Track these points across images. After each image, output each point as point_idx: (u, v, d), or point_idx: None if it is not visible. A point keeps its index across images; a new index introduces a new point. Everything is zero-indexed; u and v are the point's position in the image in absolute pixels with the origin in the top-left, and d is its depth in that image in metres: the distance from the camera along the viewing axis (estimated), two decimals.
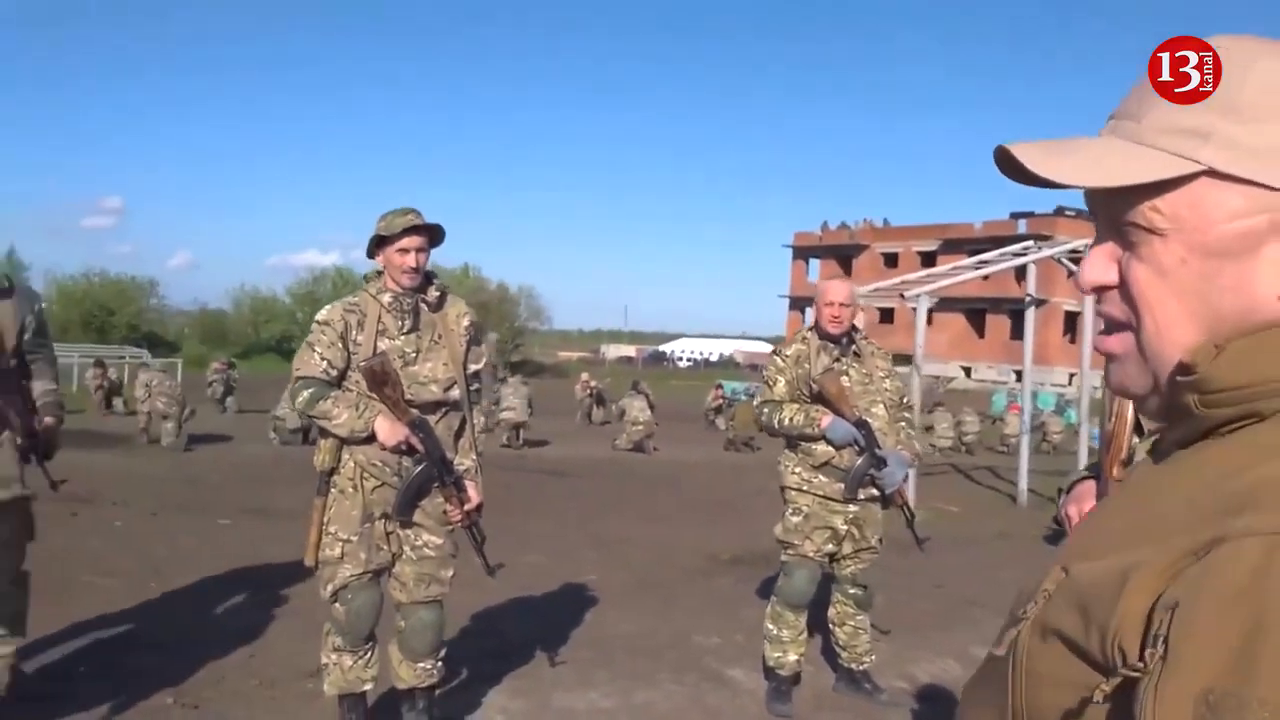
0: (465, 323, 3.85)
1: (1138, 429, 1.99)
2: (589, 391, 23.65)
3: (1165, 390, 0.78)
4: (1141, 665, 0.64)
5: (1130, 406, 1.99)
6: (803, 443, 4.55)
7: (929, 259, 46.58)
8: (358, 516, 3.64)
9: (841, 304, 4.48)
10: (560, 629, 5.56)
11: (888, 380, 4.66)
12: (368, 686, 3.78)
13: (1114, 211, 0.78)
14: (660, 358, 72.95)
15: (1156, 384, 0.79)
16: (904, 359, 10.72)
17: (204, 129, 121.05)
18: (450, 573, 3.84)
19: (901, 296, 11.26)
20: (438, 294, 3.79)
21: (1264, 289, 0.74)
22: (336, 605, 3.69)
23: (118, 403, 18.56)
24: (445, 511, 3.71)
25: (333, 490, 3.68)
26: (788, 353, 4.65)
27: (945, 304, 44.34)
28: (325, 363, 3.62)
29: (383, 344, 3.61)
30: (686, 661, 5.13)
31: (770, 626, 4.64)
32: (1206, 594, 0.64)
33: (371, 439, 3.58)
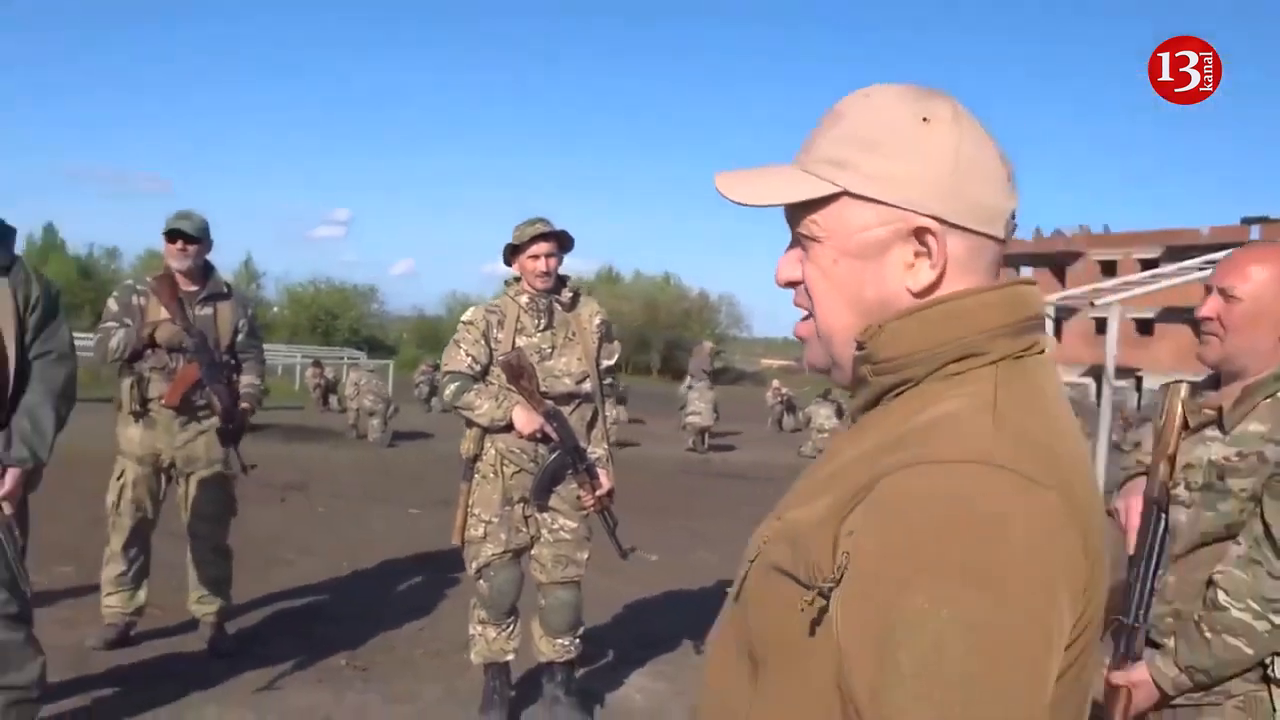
0: (597, 321, 4.11)
1: (1185, 425, 2.04)
2: (780, 399, 23.66)
3: (845, 366, 1.01)
4: (833, 578, 0.85)
5: (1179, 405, 2.04)
6: None
7: (1151, 267, 44.27)
8: (498, 500, 3.96)
9: None
10: (709, 618, 5.74)
11: None
12: (509, 657, 4.08)
13: (793, 224, 1.01)
14: None
15: (834, 360, 1.02)
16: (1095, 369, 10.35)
17: (428, 146, 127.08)
18: (585, 555, 4.10)
19: (1091, 304, 10.89)
20: (571, 295, 4.08)
21: (894, 284, 0.97)
22: (480, 581, 4.01)
23: (333, 400, 19.83)
24: (579, 497, 3.98)
25: (476, 475, 4.01)
26: None
27: (1169, 314, 41.99)
28: (470, 358, 3.95)
29: (520, 341, 3.91)
30: None
31: None
32: (870, 517, 0.85)
33: (510, 428, 3.89)
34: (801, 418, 20.41)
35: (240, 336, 4.78)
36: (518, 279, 4.02)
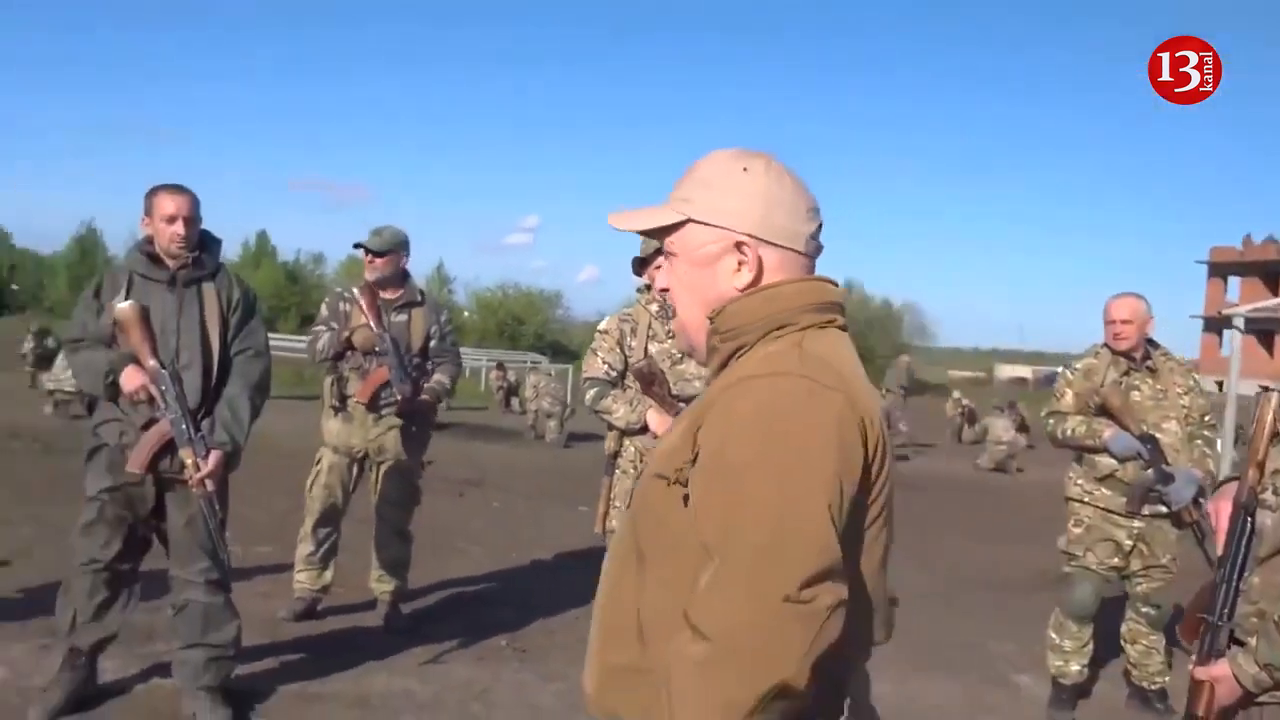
0: None
1: (1275, 433, 2.10)
2: (960, 410, 23.23)
3: (700, 347, 1.47)
4: (689, 462, 1.30)
5: (1270, 413, 2.11)
6: (1087, 455, 4.60)
7: None
8: None
9: (1124, 321, 4.50)
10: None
11: (1186, 397, 4.59)
12: None
13: (660, 239, 1.45)
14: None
15: (692, 345, 1.49)
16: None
17: (615, 152, 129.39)
18: None
19: None
20: None
21: (725, 284, 1.42)
22: None
23: (515, 402, 20.58)
24: None
25: (617, 471, 4.25)
26: (1078, 366, 4.72)
27: None
28: (606, 365, 4.20)
29: (653, 347, 4.14)
30: (973, 663, 5.28)
31: (1053, 635, 4.72)
32: (710, 419, 1.30)
33: (645, 429, 4.12)
34: (979, 429, 19.99)
35: (434, 341, 5.18)
36: (648, 288, 4.25)
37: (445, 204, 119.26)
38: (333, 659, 4.48)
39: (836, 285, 1.46)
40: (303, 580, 5.12)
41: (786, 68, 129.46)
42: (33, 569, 5.30)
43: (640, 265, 4.26)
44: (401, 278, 5.13)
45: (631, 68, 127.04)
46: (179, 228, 3.58)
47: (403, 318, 5.07)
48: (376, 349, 4.95)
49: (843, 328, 1.44)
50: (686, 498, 1.29)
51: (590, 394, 4.21)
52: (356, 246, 5.09)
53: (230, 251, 55.57)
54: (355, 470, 5.17)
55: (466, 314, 52.50)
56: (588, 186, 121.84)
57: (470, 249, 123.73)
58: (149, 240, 3.68)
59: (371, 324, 4.96)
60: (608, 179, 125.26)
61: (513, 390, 21.37)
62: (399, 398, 4.94)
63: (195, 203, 3.67)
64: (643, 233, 1.54)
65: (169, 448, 3.55)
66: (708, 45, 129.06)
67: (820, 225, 1.47)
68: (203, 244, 3.73)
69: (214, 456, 3.56)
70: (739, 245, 1.40)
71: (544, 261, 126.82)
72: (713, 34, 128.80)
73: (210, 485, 3.57)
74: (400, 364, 4.95)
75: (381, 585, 5.18)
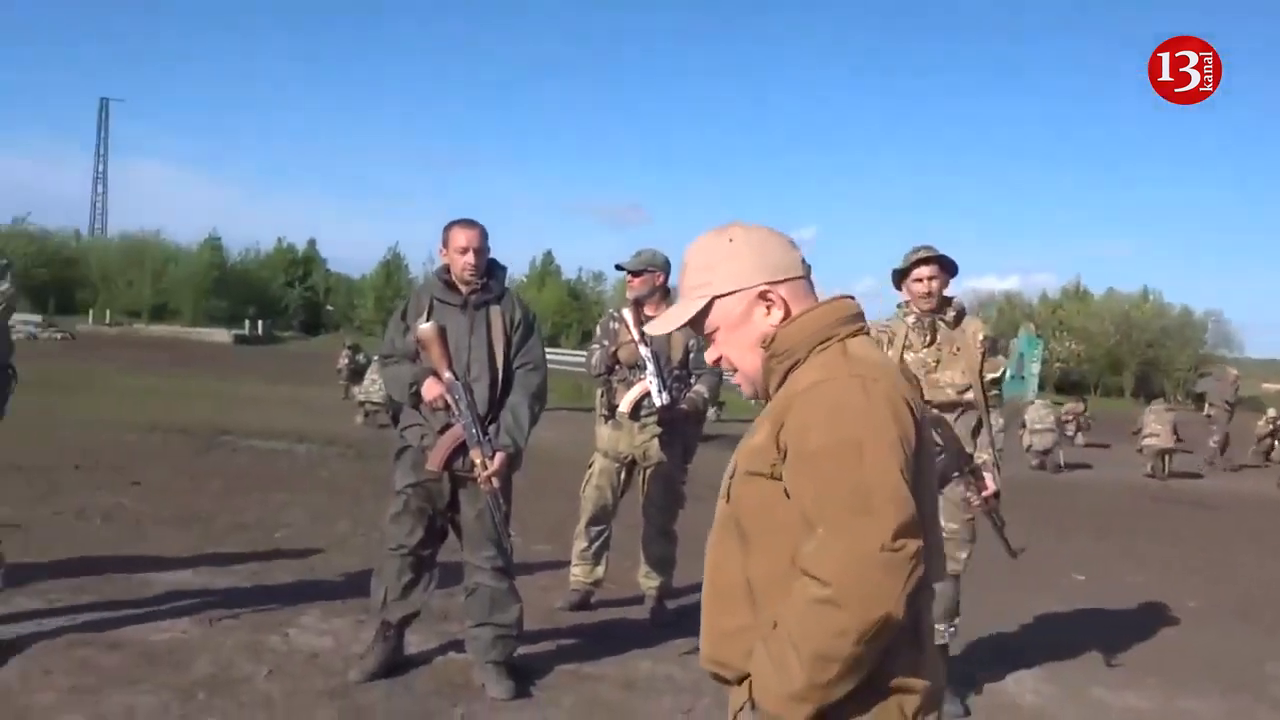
0: (980, 337, 4.43)
1: None
2: (1272, 426, 21.58)
3: (761, 383, 1.77)
4: (780, 458, 1.60)
5: None
6: None
7: None
8: None
9: None
10: (1126, 635, 5.76)
11: None
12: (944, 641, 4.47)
13: (699, 329, 1.81)
14: None
15: (756, 385, 1.79)
16: None
17: (895, 154, 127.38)
18: (964, 554, 4.41)
19: None
20: (954, 314, 4.42)
21: (764, 327, 1.75)
22: None
23: None
24: (965, 499, 4.31)
25: None
26: None
27: None
28: None
29: (908, 357, 4.33)
30: (1248, 682, 5.11)
31: None
32: (790, 421, 1.60)
33: None
34: None
35: (693, 355, 5.56)
36: (907, 302, 4.43)
37: (720, 220, 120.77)
38: (603, 645, 4.90)
39: (854, 299, 1.79)
40: (578, 574, 5.60)
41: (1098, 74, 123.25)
42: (350, 557, 6.06)
43: (899, 278, 4.46)
44: (663, 295, 5.52)
45: (908, 73, 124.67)
46: (470, 258, 4.12)
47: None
48: (639, 363, 5.37)
49: (866, 332, 1.77)
50: (785, 489, 1.60)
51: None
52: (618, 268, 5.54)
53: (518, 270, 58.92)
54: (624, 474, 5.60)
55: None
56: (866, 197, 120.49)
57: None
58: (446, 269, 4.24)
59: (635, 339, 5.38)
60: (886, 189, 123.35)
61: None
62: (658, 407, 5.34)
63: (484, 235, 4.19)
64: (677, 329, 1.83)
65: (462, 449, 4.08)
66: (995, 47, 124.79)
67: (799, 250, 1.83)
68: (490, 271, 4.25)
69: (499, 457, 4.05)
70: (762, 295, 1.74)
71: (821, 274, 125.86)
72: (990, 34, 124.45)
73: (496, 482, 4.07)
74: (660, 376, 5.34)
75: (648, 581, 5.59)
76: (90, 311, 48.97)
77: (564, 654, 4.76)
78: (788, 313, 1.74)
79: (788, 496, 1.60)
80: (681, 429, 5.55)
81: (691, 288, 1.79)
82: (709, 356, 1.83)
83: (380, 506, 4.40)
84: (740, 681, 1.67)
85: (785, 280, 1.75)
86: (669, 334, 5.43)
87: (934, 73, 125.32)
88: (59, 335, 33.51)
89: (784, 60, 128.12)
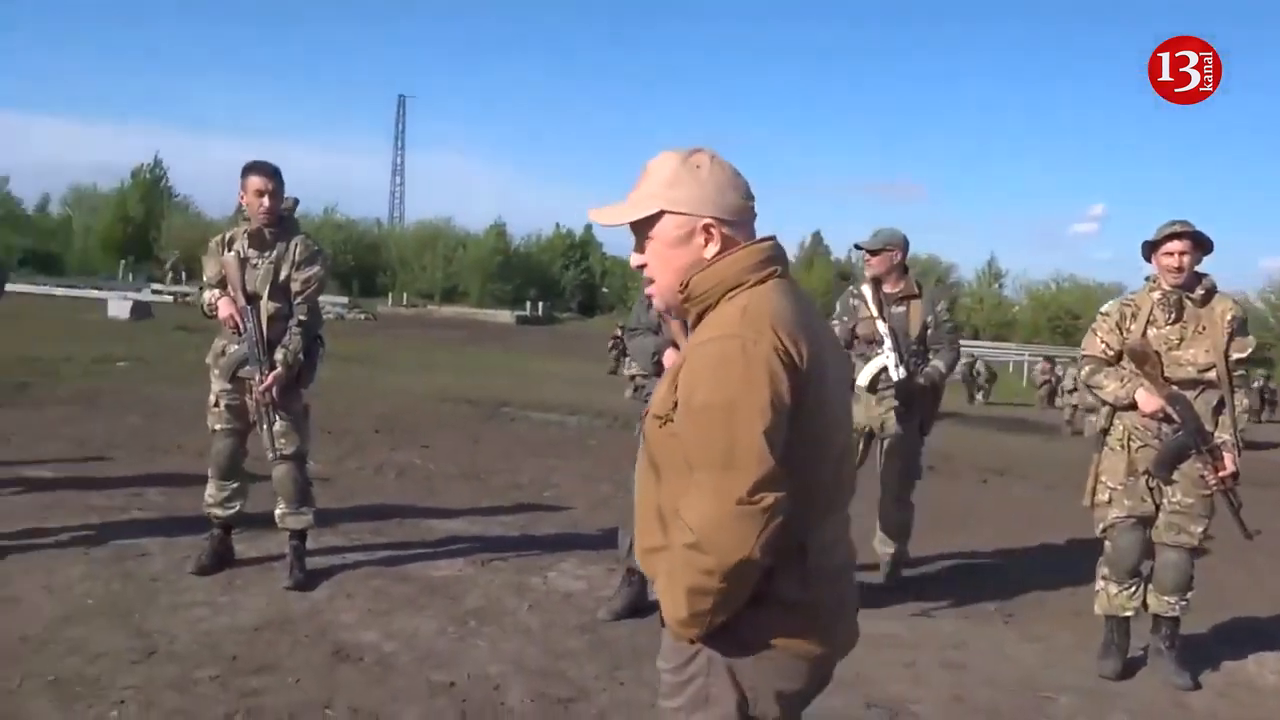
0: (1229, 317, 4.38)
1: None
2: None
3: (675, 306, 1.97)
4: (673, 407, 1.83)
5: None
6: None
7: None
8: (1123, 469, 4.45)
9: None
10: None
11: None
12: (1128, 613, 4.53)
13: (636, 231, 1.97)
14: None
15: (668, 305, 1.99)
16: None
17: (1180, 126, 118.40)
18: (1199, 528, 4.40)
19: None
20: (1204, 291, 4.39)
21: (696, 255, 1.92)
22: (1106, 541, 4.53)
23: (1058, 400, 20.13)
24: (1201, 476, 4.31)
25: (1105, 447, 4.53)
26: None
27: None
28: (1104, 345, 4.50)
29: (1150, 332, 4.36)
30: None
31: None
32: (683, 372, 1.83)
33: (1133, 406, 4.36)
34: None
35: (930, 330, 5.73)
36: (1155, 276, 4.45)
37: (1002, 198, 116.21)
38: None
39: (771, 240, 1.96)
40: None
41: None
42: (608, 515, 6.60)
43: (1149, 250, 4.49)
44: (901, 272, 5.70)
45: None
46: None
47: (901, 309, 5.66)
48: (877, 339, 5.59)
49: (781, 274, 1.94)
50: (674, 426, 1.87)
51: (1085, 369, 4.58)
52: (856, 247, 5.77)
53: (788, 250, 59.29)
54: (863, 444, 5.84)
55: (1016, 309, 51.14)
56: (1159, 171, 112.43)
57: (1028, 242, 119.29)
58: None
59: (874, 316, 5.60)
60: (1179, 164, 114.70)
61: (1056, 387, 20.90)
62: (894, 380, 5.54)
63: None
64: (619, 224, 1.96)
65: None
66: None
67: (753, 199, 1.98)
68: None
69: None
70: (706, 226, 1.90)
71: (1110, 253, 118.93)
72: None
73: None
74: (897, 351, 5.54)
75: (884, 548, 5.81)
76: (389, 294, 52.95)
77: None
78: (721, 251, 1.91)
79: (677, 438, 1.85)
80: (919, 402, 5.72)
81: (647, 194, 1.93)
82: (633, 260, 2.00)
83: None
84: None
85: (731, 222, 1.92)
86: (907, 310, 5.71)
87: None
88: (362, 316, 36.53)
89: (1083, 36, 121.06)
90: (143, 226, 59.22)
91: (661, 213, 1.92)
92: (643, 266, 1.99)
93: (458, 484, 7.58)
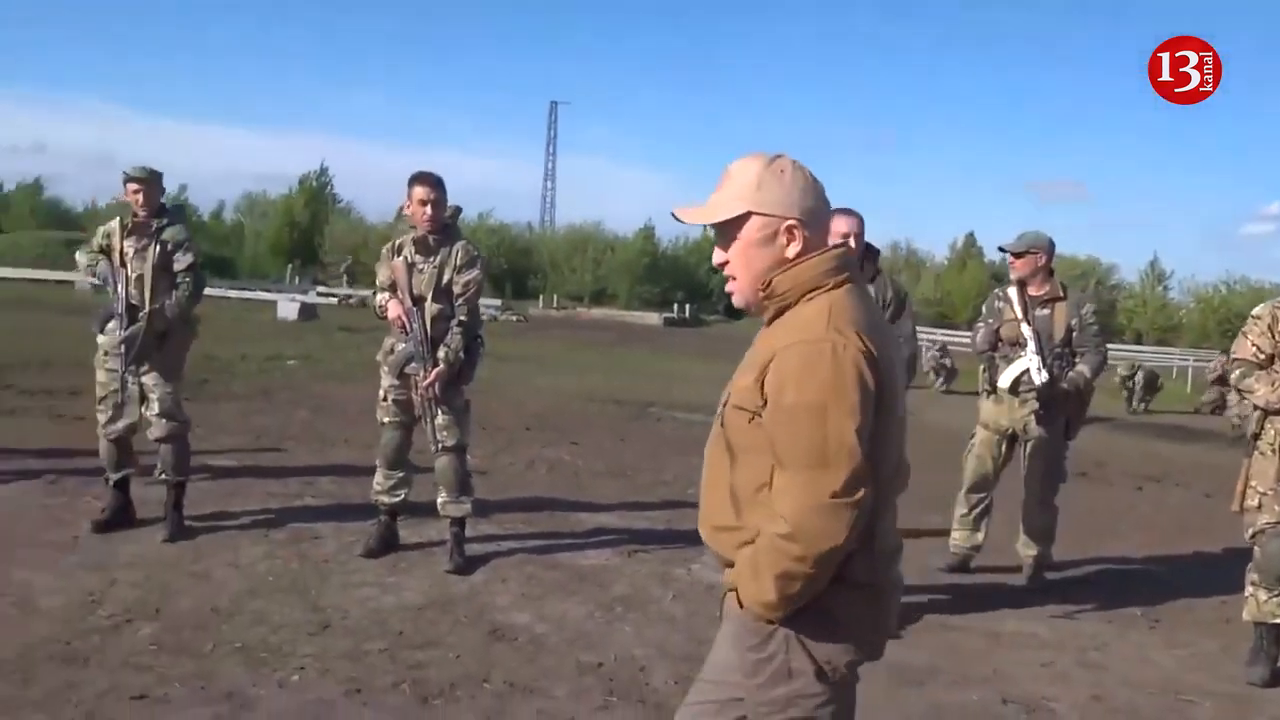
0: None
1: None
2: None
3: (755, 303, 2.08)
4: (761, 404, 1.95)
5: None
6: None
7: None
8: (1274, 474, 4.39)
9: None
10: None
11: None
12: (1278, 620, 4.45)
13: (721, 231, 2.09)
14: None
15: (748, 302, 2.09)
16: None
17: None
18: None
19: None
20: None
21: (780, 252, 2.05)
22: (1255, 548, 4.47)
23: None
24: None
25: (1255, 452, 4.47)
26: None
27: None
28: (1254, 348, 4.46)
29: None
30: None
31: None
32: (772, 372, 1.93)
33: None
34: None
35: (1075, 334, 5.70)
36: None
37: (1168, 196, 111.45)
38: (973, 603, 5.25)
39: (842, 248, 2.12)
40: (957, 538, 5.93)
41: None
42: None
43: None
44: (1046, 275, 5.69)
45: None
46: (851, 244, 4.63)
47: (1045, 312, 5.65)
48: (1019, 341, 5.59)
49: (853, 279, 2.07)
50: (761, 421, 2.00)
51: (1235, 373, 4.54)
52: (1000, 250, 5.79)
53: (939, 253, 58.16)
54: (1005, 446, 5.84)
55: (1182, 313, 49.00)
56: None
57: (1196, 243, 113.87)
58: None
59: (1018, 318, 5.61)
60: None
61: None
62: (1037, 385, 5.54)
63: (862, 222, 4.67)
64: (707, 223, 2.09)
65: None
66: None
67: (829, 204, 2.13)
68: (865, 255, 4.72)
69: None
70: (790, 228, 2.02)
71: None
72: None
73: None
74: (1040, 354, 5.54)
75: (1026, 550, 5.81)
76: (540, 296, 54.06)
77: (934, 607, 5.15)
78: (802, 252, 2.04)
79: (763, 430, 1.99)
80: (1063, 406, 5.70)
81: (734, 196, 2.05)
82: (716, 259, 2.12)
83: None
84: (726, 565, 2.14)
85: (811, 224, 2.05)
86: (1051, 312, 5.69)
87: None
88: (515, 318, 37.38)
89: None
90: (308, 231, 61.82)
91: (748, 214, 2.04)
92: (724, 265, 2.10)
93: (605, 480, 7.85)
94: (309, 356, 15.73)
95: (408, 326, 5.02)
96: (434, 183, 5.06)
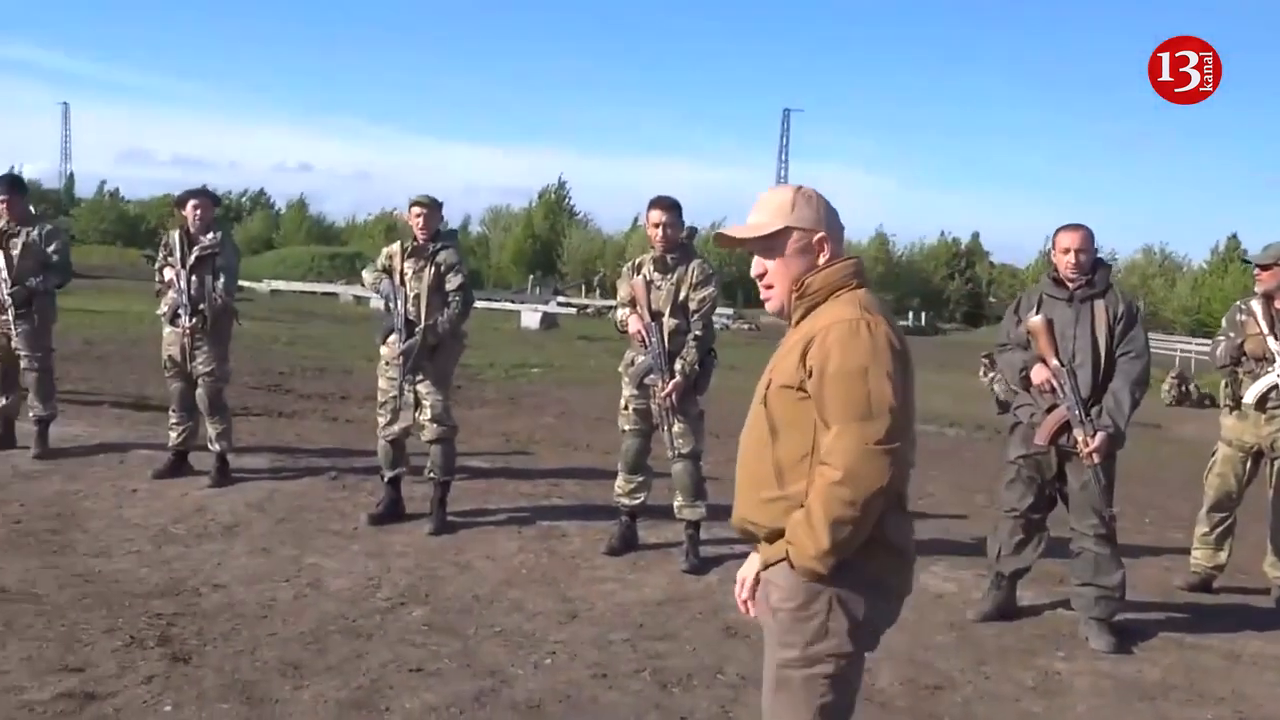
0: None
1: None
2: None
3: (788, 309, 2.44)
4: (806, 376, 2.26)
5: None
6: None
7: None
8: None
9: None
10: None
11: None
12: None
13: (759, 245, 2.45)
14: None
15: (783, 308, 2.45)
16: None
17: None
18: None
19: None
20: None
21: (809, 262, 2.43)
22: None
23: None
24: None
25: None
26: None
27: None
28: None
29: None
30: None
31: None
32: (814, 348, 2.29)
33: None
34: None
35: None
36: None
37: None
38: (1214, 623, 5.13)
39: (859, 259, 2.47)
40: (1198, 557, 5.79)
41: None
42: (982, 524, 6.74)
43: None
44: None
45: None
46: (1072, 258, 4.67)
47: None
48: (1265, 356, 5.42)
49: (866, 283, 2.45)
50: (806, 395, 2.32)
51: None
52: (1244, 261, 5.62)
53: (1197, 256, 54.69)
54: (1250, 464, 5.66)
55: None
56: None
57: None
58: (1054, 267, 4.82)
59: (1263, 332, 5.45)
60: None
61: None
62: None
63: (1088, 237, 4.70)
64: (750, 238, 2.42)
65: (1066, 427, 4.63)
66: None
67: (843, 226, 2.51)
68: (1095, 268, 4.74)
69: (1100, 436, 4.55)
70: (820, 240, 2.40)
71: None
72: None
73: (1097, 459, 4.57)
74: None
75: (1274, 571, 5.59)
76: (715, 310, 54.15)
77: (1172, 624, 5.08)
78: (830, 260, 2.41)
79: (808, 401, 2.32)
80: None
81: (772, 215, 2.43)
82: (754, 270, 2.48)
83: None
84: (768, 538, 2.40)
85: (835, 239, 2.45)
86: None
87: None
88: (747, 326, 37.69)
89: None
90: (547, 243, 64.37)
91: (787, 229, 2.42)
92: (763, 275, 2.46)
93: None
94: (551, 364, 16.53)
95: (647, 340, 5.38)
96: (667, 206, 5.40)
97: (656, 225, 5.40)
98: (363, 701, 3.71)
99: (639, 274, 5.50)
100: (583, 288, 49.36)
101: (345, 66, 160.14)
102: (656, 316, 5.40)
